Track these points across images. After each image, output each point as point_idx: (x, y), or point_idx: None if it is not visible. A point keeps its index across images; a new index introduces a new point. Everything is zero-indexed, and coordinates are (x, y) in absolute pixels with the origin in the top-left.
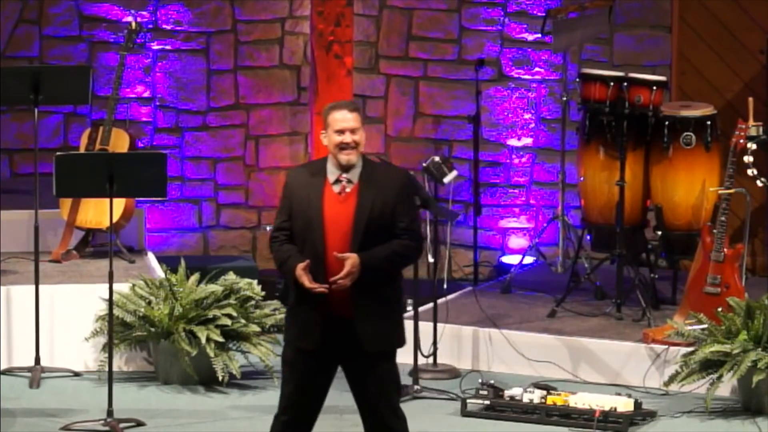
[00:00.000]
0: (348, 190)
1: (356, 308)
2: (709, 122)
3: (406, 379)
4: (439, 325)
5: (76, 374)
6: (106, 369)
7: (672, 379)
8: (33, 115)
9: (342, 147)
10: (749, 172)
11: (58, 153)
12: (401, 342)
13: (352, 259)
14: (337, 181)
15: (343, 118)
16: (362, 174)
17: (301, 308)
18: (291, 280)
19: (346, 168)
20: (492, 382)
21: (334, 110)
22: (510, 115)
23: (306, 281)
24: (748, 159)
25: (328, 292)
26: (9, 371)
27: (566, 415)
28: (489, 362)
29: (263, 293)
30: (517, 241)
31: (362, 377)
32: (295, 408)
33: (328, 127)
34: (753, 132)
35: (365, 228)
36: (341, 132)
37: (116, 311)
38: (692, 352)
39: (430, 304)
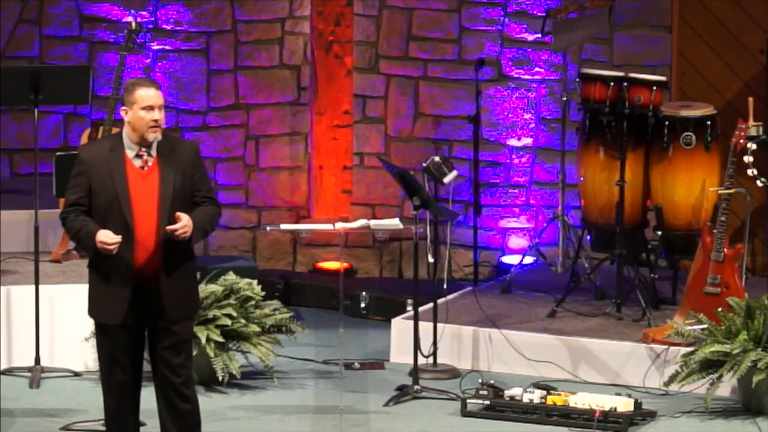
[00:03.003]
0: (150, 164)
1: (163, 279)
2: (709, 122)
3: (406, 379)
4: (439, 325)
5: (76, 374)
6: None
7: (672, 379)
8: (33, 115)
9: (152, 125)
10: (749, 172)
11: (58, 153)
12: (197, 308)
13: (185, 218)
14: (137, 155)
15: (155, 95)
16: (159, 147)
17: (107, 283)
18: (90, 247)
19: (143, 143)
20: (492, 382)
21: (140, 87)
22: (510, 115)
23: (107, 238)
24: (748, 159)
25: (137, 263)
26: (9, 371)
27: (566, 415)
28: (489, 362)
29: (263, 293)
30: (517, 241)
31: (163, 342)
32: (124, 386)
33: (132, 104)
34: (753, 132)
35: (171, 200)
36: (150, 108)
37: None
38: (692, 352)
39: (430, 304)
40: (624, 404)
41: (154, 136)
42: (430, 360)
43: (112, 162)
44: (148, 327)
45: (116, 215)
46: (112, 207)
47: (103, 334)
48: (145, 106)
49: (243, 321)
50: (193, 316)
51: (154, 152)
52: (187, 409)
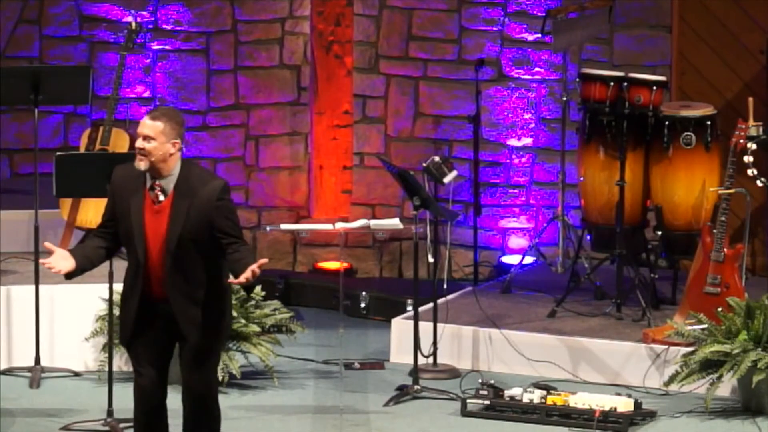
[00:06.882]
0: (162, 198)
1: (173, 304)
2: (709, 122)
3: (406, 379)
4: (439, 325)
5: (76, 374)
6: (106, 369)
7: (672, 379)
8: (33, 115)
9: (137, 153)
10: (749, 172)
11: (58, 153)
12: (219, 327)
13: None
14: (152, 188)
15: (142, 123)
16: (178, 182)
17: (123, 306)
18: None
19: (160, 175)
20: (492, 382)
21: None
22: (510, 115)
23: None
24: (748, 159)
25: (151, 290)
26: (9, 371)
27: (566, 415)
28: (489, 362)
29: (263, 293)
30: (517, 241)
31: (184, 354)
32: (153, 396)
33: None
34: (753, 132)
35: (178, 240)
36: (138, 136)
37: (116, 311)
38: (692, 352)
39: (430, 304)
40: (624, 404)
41: (137, 164)
42: (430, 360)
43: (134, 191)
44: (171, 340)
45: (132, 248)
46: (129, 238)
47: (126, 349)
48: (138, 133)
49: (243, 321)
50: (212, 335)
51: (170, 187)
52: (204, 420)
